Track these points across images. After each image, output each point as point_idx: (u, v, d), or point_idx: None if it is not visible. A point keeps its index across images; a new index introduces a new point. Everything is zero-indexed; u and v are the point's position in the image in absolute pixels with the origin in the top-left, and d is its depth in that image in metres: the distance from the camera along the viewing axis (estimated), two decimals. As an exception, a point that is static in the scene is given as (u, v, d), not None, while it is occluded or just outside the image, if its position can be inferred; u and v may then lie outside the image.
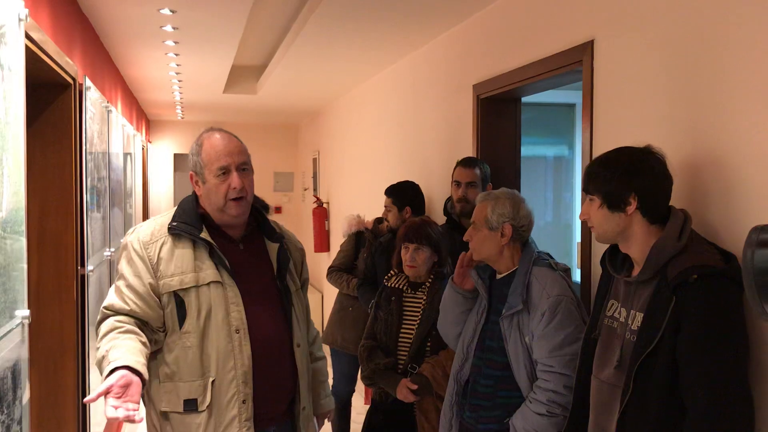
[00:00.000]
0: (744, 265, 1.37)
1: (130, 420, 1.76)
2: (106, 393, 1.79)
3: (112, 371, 1.85)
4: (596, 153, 2.54)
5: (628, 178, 1.87)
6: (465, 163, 3.41)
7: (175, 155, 9.98)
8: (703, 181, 2.00)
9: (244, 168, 2.15)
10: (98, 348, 2.01)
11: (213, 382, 2.08)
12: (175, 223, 2.14)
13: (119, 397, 1.79)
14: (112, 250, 4.40)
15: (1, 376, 1.92)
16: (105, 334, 2.02)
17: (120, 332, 2.00)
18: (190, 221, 2.14)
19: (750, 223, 1.48)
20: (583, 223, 2.67)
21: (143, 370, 1.90)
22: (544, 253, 2.56)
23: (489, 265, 2.60)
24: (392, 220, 3.88)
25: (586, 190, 1.96)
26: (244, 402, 2.09)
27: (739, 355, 1.70)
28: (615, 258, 2.03)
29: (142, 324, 2.08)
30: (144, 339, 2.03)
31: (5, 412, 1.94)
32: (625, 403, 1.81)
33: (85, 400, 1.91)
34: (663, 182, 1.90)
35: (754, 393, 1.72)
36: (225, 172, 2.11)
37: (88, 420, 3.49)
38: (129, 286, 2.09)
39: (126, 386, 1.82)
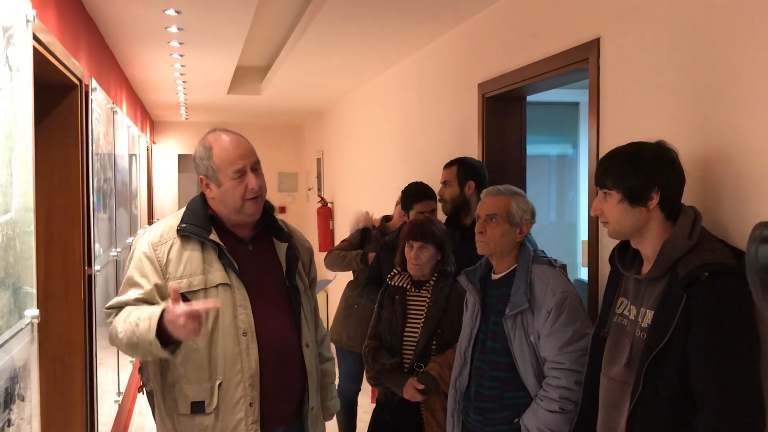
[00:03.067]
0: (748, 260, 1.37)
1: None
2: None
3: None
4: (603, 151, 2.53)
5: (652, 172, 1.85)
6: (446, 164, 3.48)
7: (180, 156, 10.00)
8: (713, 179, 2.00)
9: (257, 167, 2.17)
10: (120, 333, 2.02)
11: (220, 384, 2.08)
12: (184, 225, 2.14)
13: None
14: (118, 250, 4.41)
15: (11, 375, 1.93)
16: (124, 320, 2.03)
17: (137, 309, 2.03)
18: (198, 223, 2.14)
19: (760, 220, 1.47)
20: (591, 221, 2.67)
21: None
22: (539, 250, 2.56)
23: (478, 269, 2.60)
24: None
25: (602, 185, 1.93)
26: (251, 405, 2.09)
27: (750, 353, 1.70)
28: (624, 255, 2.03)
29: None
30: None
31: (15, 411, 1.95)
32: (635, 400, 1.81)
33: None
34: (682, 177, 1.89)
35: (765, 389, 1.71)
36: (241, 174, 2.12)
37: (96, 420, 3.50)
38: (134, 286, 2.10)
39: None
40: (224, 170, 2.12)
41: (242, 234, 2.22)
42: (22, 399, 2.02)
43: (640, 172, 1.86)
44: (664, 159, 1.87)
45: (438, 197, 3.51)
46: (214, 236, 2.13)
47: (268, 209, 2.30)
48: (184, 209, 2.22)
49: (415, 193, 3.79)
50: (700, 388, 1.70)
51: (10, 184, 1.93)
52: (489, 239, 2.48)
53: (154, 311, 1.95)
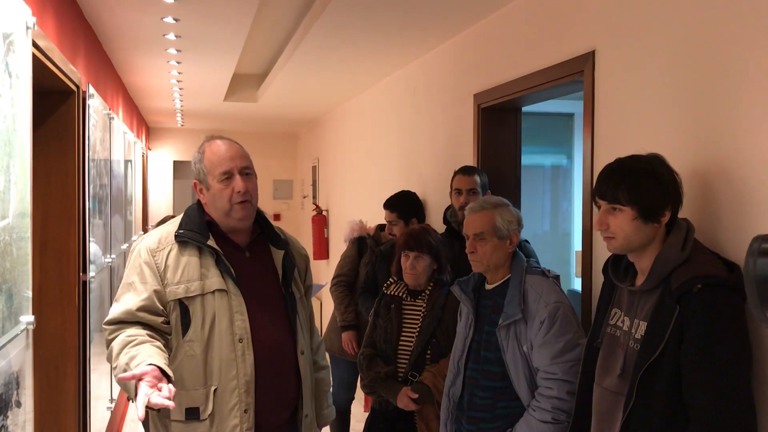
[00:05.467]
0: (746, 273, 1.39)
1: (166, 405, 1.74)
2: (139, 378, 1.77)
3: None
4: (597, 163, 2.56)
5: (668, 188, 1.85)
6: (465, 171, 3.44)
7: (175, 162, 10.00)
8: (709, 191, 2.01)
9: (247, 172, 2.17)
10: (115, 367, 1.99)
11: (215, 390, 2.08)
12: (181, 231, 2.15)
13: (151, 387, 1.76)
14: (113, 256, 4.41)
15: (6, 381, 1.93)
16: (118, 353, 1.97)
17: (134, 345, 1.96)
18: (196, 229, 2.15)
19: (757, 233, 1.49)
20: (585, 232, 2.69)
21: (169, 371, 1.87)
22: (533, 260, 2.57)
23: (471, 279, 2.61)
24: (399, 234, 3.88)
25: (611, 199, 1.88)
26: (245, 411, 2.09)
27: (741, 364, 1.71)
28: (618, 266, 2.04)
29: (151, 329, 2.07)
30: (159, 344, 2.01)
31: (9, 417, 1.95)
32: (628, 411, 1.82)
33: (120, 376, 1.84)
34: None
35: (756, 401, 1.73)
36: (228, 176, 2.13)
37: (88, 427, 3.49)
38: (134, 292, 2.10)
39: (157, 379, 1.79)
40: (212, 172, 2.14)
41: (239, 240, 2.23)
42: (19, 405, 2.02)
43: (658, 189, 1.84)
44: (674, 175, 1.88)
45: (459, 206, 3.40)
46: (211, 242, 2.14)
47: (263, 215, 2.31)
48: (181, 216, 2.23)
49: (387, 201, 3.97)
50: (693, 399, 1.71)
51: (8, 189, 1.94)
52: (481, 257, 2.50)
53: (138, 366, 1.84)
